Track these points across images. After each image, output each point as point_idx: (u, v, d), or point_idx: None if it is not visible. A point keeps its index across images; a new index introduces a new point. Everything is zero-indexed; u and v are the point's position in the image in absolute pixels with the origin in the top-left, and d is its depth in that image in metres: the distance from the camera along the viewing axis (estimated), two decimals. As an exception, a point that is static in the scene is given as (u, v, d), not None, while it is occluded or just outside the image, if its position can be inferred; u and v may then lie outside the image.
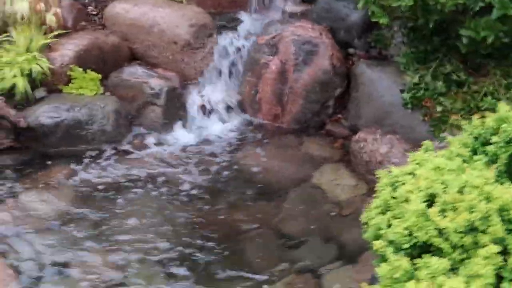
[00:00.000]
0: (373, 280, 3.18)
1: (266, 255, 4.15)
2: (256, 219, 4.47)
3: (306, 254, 4.14)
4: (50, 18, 5.08)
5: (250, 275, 3.90)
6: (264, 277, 3.88)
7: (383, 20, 4.51)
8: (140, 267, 3.92)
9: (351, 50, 5.50)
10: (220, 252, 4.11)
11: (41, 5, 5.07)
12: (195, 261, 4.01)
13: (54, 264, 3.85)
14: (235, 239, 4.27)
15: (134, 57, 5.63)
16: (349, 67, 5.41)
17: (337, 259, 4.09)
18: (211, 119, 5.45)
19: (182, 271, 3.92)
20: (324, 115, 5.43)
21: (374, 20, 4.59)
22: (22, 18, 4.99)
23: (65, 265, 3.86)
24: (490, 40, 4.30)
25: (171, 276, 3.88)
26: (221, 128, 5.41)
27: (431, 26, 4.70)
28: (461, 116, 4.44)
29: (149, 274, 3.87)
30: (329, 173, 4.93)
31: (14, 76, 4.85)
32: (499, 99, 4.40)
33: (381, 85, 5.04)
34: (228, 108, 5.52)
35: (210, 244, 4.17)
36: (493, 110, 4.16)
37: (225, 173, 4.91)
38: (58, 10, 5.17)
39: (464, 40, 4.39)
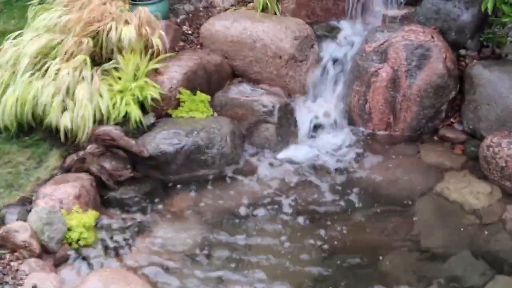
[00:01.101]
0: None
1: (409, 271, 3.94)
2: (391, 234, 4.27)
3: (454, 268, 3.92)
4: (156, 42, 4.88)
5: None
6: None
7: (515, 19, 4.24)
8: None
9: (462, 51, 5.23)
10: (362, 272, 3.94)
11: (147, 29, 4.88)
12: (336, 277, 3.87)
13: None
14: (374, 258, 4.05)
15: (234, 75, 5.44)
16: (462, 69, 5.15)
17: (490, 271, 3.87)
18: (321, 133, 5.22)
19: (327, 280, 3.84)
20: (438, 120, 5.18)
21: (504, 20, 4.32)
22: (129, 44, 4.80)
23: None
24: None
25: None
26: (333, 141, 5.16)
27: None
28: None
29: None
30: (456, 181, 4.67)
31: (126, 104, 4.68)
32: None
33: (502, 85, 4.79)
34: (336, 121, 5.28)
35: (350, 264, 3.99)
36: None
37: (347, 187, 4.69)
38: (163, 33, 4.97)
39: None
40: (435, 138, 5.18)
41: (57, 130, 4.50)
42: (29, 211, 3.96)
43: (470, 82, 5.00)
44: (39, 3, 5.13)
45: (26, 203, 4.09)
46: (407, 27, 5.12)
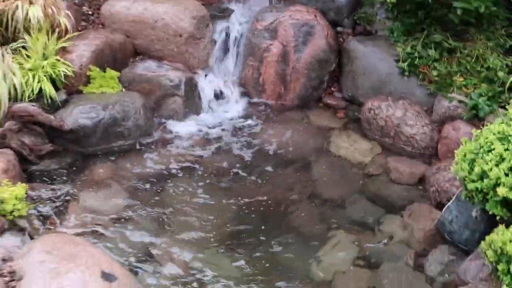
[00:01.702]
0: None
1: (316, 220, 4.38)
2: (295, 189, 4.69)
3: (353, 213, 4.42)
4: (63, 21, 4.94)
5: (303, 239, 4.15)
6: (317, 239, 4.13)
7: (390, -3, 4.85)
8: (205, 243, 4.07)
9: (339, 29, 5.82)
10: (274, 224, 4.31)
11: (52, 9, 4.92)
12: (250, 231, 4.20)
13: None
14: (281, 209, 4.46)
15: (137, 53, 5.60)
16: (340, 45, 5.73)
17: (382, 211, 4.41)
18: (221, 104, 5.58)
19: (240, 240, 4.14)
20: (321, 89, 5.74)
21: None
22: (37, 23, 4.81)
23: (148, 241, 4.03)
24: (481, 9, 4.78)
25: (232, 247, 4.06)
26: (231, 111, 5.55)
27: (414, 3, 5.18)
28: (463, 77, 4.91)
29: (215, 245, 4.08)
30: (342, 140, 5.25)
31: (39, 81, 4.71)
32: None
33: (375, 57, 5.41)
34: (233, 92, 5.66)
35: (262, 218, 4.35)
36: (494, 70, 4.71)
37: (250, 150, 5.09)
38: (68, 12, 5.03)
39: (458, 11, 4.84)
40: (320, 105, 5.75)
41: (-29, 110, 4.46)
42: (-44, 187, 3.95)
43: (347, 56, 5.59)
44: None
45: (-48, 180, 4.05)
46: (293, 8, 5.60)
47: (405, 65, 5.19)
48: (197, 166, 4.82)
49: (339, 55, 5.71)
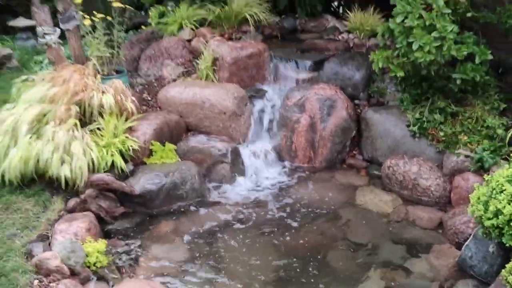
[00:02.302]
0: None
1: (347, 262, 4.45)
2: (327, 236, 4.79)
3: (381, 255, 4.50)
4: (130, 106, 5.25)
5: (339, 279, 4.22)
6: (351, 278, 4.21)
7: (400, 73, 5.08)
8: (255, 280, 4.20)
9: (357, 101, 6.04)
10: (311, 266, 4.38)
11: (121, 96, 5.24)
12: (292, 274, 4.29)
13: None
14: (317, 253, 4.54)
15: (188, 129, 5.87)
16: (358, 114, 5.95)
17: (408, 253, 4.48)
18: (261, 169, 5.76)
19: (285, 281, 4.23)
20: (344, 153, 5.91)
21: (392, 74, 5.16)
22: (109, 108, 5.12)
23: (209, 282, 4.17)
24: (477, 78, 5.00)
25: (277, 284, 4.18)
26: (270, 174, 5.73)
27: (419, 77, 5.42)
28: (467, 136, 5.06)
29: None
30: (366, 194, 5.36)
31: (112, 155, 4.97)
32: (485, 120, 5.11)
33: (389, 123, 5.60)
34: (271, 158, 5.87)
35: (301, 261, 4.44)
36: (493, 128, 4.86)
37: (287, 206, 5.23)
38: (134, 99, 5.35)
39: (458, 81, 5.06)
40: (344, 166, 5.91)
41: (57, 180, 4.69)
42: (49, 244, 4.13)
43: (365, 123, 5.80)
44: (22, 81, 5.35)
45: (44, 239, 4.23)
46: (317, 86, 5.87)
47: (415, 128, 5.36)
48: (244, 221, 4.96)
49: (358, 123, 5.91)
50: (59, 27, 5.66)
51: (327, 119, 5.71)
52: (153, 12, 7.20)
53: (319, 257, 4.50)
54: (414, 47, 4.76)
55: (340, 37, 6.64)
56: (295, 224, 4.93)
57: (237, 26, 6.76)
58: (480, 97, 5.31)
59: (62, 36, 5.66)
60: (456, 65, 5.12)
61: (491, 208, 3.31)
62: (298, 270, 4.33)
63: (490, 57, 4.98)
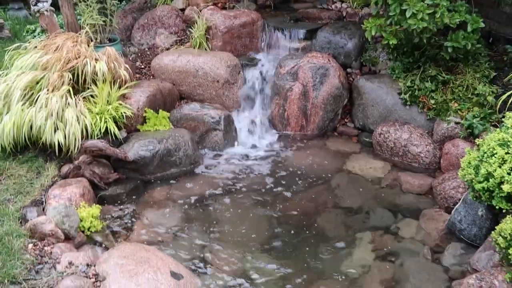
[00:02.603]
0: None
1: (339, 226, 4.37)
2: (319, 200, 4.70)
3: (372, 219, 4.42)
4: (123, 73, 5.08)
5: (331, 242, 4.13)
6: (343, 242, 4.12)
7: (393, 41, 4.93)
8: (248, 247, 4.08)
9: (349, 70, 5.91)
10: (303, 230, 4.31)
11: (114, 63, 5.08)
12: (284, 236, 4.21)
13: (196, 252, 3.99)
14: (310, 217, 4.46)
15: (182, 97, 5.73)
16: (350, 83, 5.82)
17: (398, 217, 4.40)
18: (254, 136, 5.66)
19: (280, 241, 4.15)
20: (336, 121, 5.80)
21: (385, 42, 5.01)
22: (102, 75, 4.96)
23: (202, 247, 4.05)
24: (468, 46, 4.86)
25: (274, 248, 4.08)
26: (263, 141, 5.62)
27: (411, 45, 5.28)
28: (457, 103, 4.95)
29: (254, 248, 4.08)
30: (357, 161, 5.26)
31: (105, 122, 4.83)
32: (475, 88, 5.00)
33: (381, 91, 5.47)
34: (264, 126, 5.75)
35: (294, 225, 4.36)
36: (483, 96, 4.76)
37: (280, 171, 5.13)
38: (127, 66, 5.18)
39: (449, 49, 4.92)
40: (336, 134, 5.80)
41: (50, 146, 4.56)
42: (43, 209, 4.03)
43: (357, 91, 5.67)
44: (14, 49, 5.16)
45: (38, 204, 4.12)
46: (309, 54, 5.71)
47: (406, 96, 5.25)
48: (237, 185, 4.86)
49: (350, 91, 5.78)
50: (51, -5, 5.47)
51: (319, 87, 5.57)
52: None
53: (311, 221, 4.42)
54: (408, 14, 4.60)
55: (333, 6, 6.46)
56: (287, 191, 4.83)
57: (231, -6, 6.58)
58: (471, 66, 5.18)
59: (56, 5, 5.48)
60: (448, 34, 4.99)
61: (482, 171, 3.22)
62: (290, 234, 4.25)
63: (482, 25, 4.83)
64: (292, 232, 4.28)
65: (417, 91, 5.23)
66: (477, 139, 3.79)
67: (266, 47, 6.18)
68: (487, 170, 3.18)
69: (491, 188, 3.19)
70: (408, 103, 5.26)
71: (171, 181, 4.85)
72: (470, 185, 3.47)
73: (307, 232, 4.29)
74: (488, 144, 3.27)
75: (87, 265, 3.42)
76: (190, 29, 6.14)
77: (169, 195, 4.68)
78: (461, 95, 5.00)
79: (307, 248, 4.08)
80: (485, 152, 3.27)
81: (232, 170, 5.09)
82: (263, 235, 4.26)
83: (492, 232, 3.12)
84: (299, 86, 5.60)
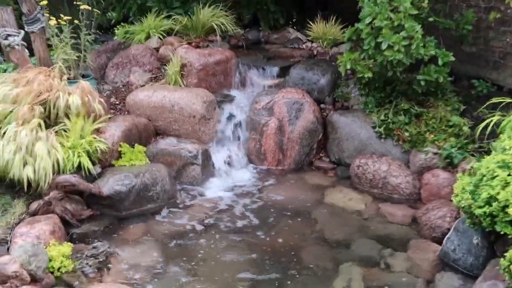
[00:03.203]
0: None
1: (324, 258, 3.87)
2: (302, 235, 4.21)
3: (357, 250, 3.95)
4: (98, 107, 4.55)
5: (316, 276, 3.65)
6: (329, 275, 3.63)
7: (368, 74, 4.64)
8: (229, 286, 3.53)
9: (322, 106, 5.56)
10: (287, 265, 3.80)
11: (89, 97, 4.55)
12: (267, 272, 3.68)
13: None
14: (292, 251, 3.96)
15: (157, 133, 5.21)
16: (324, 118, 5.46)
17: (383, 247, 3.95)
18: (231, 171, 5.17)
19: (263, 280, 3.61)
20: (312, 155, 5.40)
21: (359, 75, 4.71)
22: (76, 109, 4.42)
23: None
24: (441, 80, 4.62)
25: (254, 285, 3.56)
26: (241, 176, 5.14)
27: (383, 81, 5.01)
28: (433, 134, 4.65)
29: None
30: (336, 193, 4.84)
31: (78, 156, 4.25)
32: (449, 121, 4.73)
33: (355, 125, 5.13)
34: (241, 161, 5.28)
35: (277, 261, 3.84)
36: (458, 126, 4.48)
37: (258, 206, 4.64)
38: (102, 100, 4.65)
39: (422, 82, 4.67)
40: (312, 168, 5.37)
41: (19, 182, 3.94)
42: (8, 249, 3.37)
43: (332, 126, 5.30)
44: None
45: (3, 243, 3.47)
46: (284, 90, 5.36)
47: (381, 129, 4.93)
48: (216, 222, 4.32)
49: (324, 126, 5.42)
50: (23, 29, 4.95)
51: (295, 122, 5.19)
52: (119, 29, 6.52)
53: (293, 255, 3.91)
54: (383, 46, 4.33)
55: (304, 46, 6.19)
56: (266, 224, 4.33)
57: (204, 35, 6.20)
58: (441, 100, 4.94)
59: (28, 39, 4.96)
60: (417, 70, 4.75)
61: (483, 195, 2.84)
62: (271, 269, 3.71)
63: (452, 58, 4.62)
64: (274, 267, 3.75)
65: (391, 124, 4.92)
66: (460, 169, 3.46)
67: (240, 84, 5.79)
68: (489, 194, 2.81)
69: (494, 213, 2.81)
70: (383, 136, 4.94)
71: (148, 218, 4.27)
72: (467, 211, 3.08)
73: (290, 266, 3.77)
74: (486, 167, 2.91)
75: (56, 311, 2.79)
76: (164, 67, 5.69)
77: (146, 232, 4.10)
78: (435, 126, 4.71)
79: (291, 284, 3.55)
80: (484, 175, 2.90)
81: (210, 205, 4.56)
82: (244, 271, 3.70)
83: (501, 259, 2.71)
84: (275, 121, 5.20)
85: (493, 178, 2.83)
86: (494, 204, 2.77)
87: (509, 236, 2.77)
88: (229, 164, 5.18)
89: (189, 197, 4.64)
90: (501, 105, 4.19)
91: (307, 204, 4.68)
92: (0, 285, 3.01)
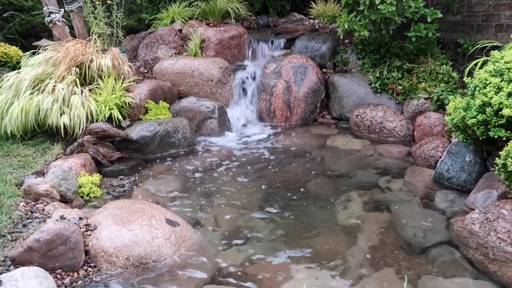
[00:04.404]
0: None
1: (327, 188, 3.49)
2: (307, 171, 3.82)
3: (353, 179, 3.58)
4: (126, 69, 4.29)
5: (324, 201, 3.27)
6: (335, 200, 3.25)
7: (364, 32, 4.26)
8: (242, 208, 3.18)
9: (324, 70, 5.19)
10: (294, 195, 3.43)
11: (118, 61, 4.29)
12: (277, 199, 3.31)
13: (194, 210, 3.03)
14: (300, 183, 3.59)
15: (180, 96, 4.92)
16: (326, 80, 5.09)
17: (378, 176, 3.57)
18: (246, 126, 4.83)
19: (272, 203, 3.25)
20: (316, 113, 5.03)
21: (356, 34, 4.32)
22: (107, 70, 4.16)
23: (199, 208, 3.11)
24: (430, 35, 4.20)
25: (265, 209, 3.17)
26: (253, 130, 4.78)
27: (377, 44, 4.60)
28: (425, 83, 4.24)
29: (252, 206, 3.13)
30: (338, 139, 4.45)
31: (110, 108, 3.99)
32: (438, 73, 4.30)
33: (353, 84, 4.77)
34: (253, 119, 4.94)
35: (285, 191, 3.47)
36: (447, 74, 4.04)
37: (269, 151, 4.26)
38: (130, 64, 4.39)
39: (413, 39, 4.26)
40: (316, 123, 4.99)
41: (57, 130, 3.70)
42: (43, 176, 3.11)
43: (333, 86, 4.94)
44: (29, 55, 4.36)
45: (40, 174, 3.20)
46: (290, 56, 5.01)
47: (377, 85, 4.54)
48: (232, 162, 3.97)
49: (326, 88, 5.05)
50: (64, 9, 4.73)
51: (300, 83, 4.83)
52: (148, 14, 6.28)
53: (301, 186, 3.53)
54: (377, 1, 3.94)
55: (307, 23, 5.83)
56: (277, 162, 3.98)
57: (221, 19, 5.91)
58: (430, 57, 4.52)
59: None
60: (409, 29, 4.34)
61: (477, 102, 2.44)
62: (282, 197, 3.35)
63: (439, 15, 4.20)
64: (284, 196, 3.39)
65: (385, 79, 4.53)
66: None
67: (252, 56, 5.46)
68: (482, 101, 2.41)
69: (487, 119, 2.41)
70: (379, 91, 4.54)
71: (171, 159, 3.96)
72: (460, 126, 2.68)
73: (298, 195, 3.41)
74: (479, 78, 2.51)
75: (80, 218, 2.49)
76: (187, 43, 5.41)
77: (168, 169, 3.77)
78: (426, 77, 4.29)
79: (299, 208, 3.19)
80: (477, 86, 2.50)
81: (227, 150, 4.23)
82: (257, 198, 3.34)
83: (496, 159, 2.30)
84: (283, 82, 4.85)
85: (486, 86, 2.43)
86: (488, 109, 2.37)
87: (503, 139, 2.37)
88: (243, 120, 4.84)
89: (208, 145, 4.31)
90: (487, 49, 3.76)
91: (313, 148, 4.31)
92: (33, 202, 2.74)
